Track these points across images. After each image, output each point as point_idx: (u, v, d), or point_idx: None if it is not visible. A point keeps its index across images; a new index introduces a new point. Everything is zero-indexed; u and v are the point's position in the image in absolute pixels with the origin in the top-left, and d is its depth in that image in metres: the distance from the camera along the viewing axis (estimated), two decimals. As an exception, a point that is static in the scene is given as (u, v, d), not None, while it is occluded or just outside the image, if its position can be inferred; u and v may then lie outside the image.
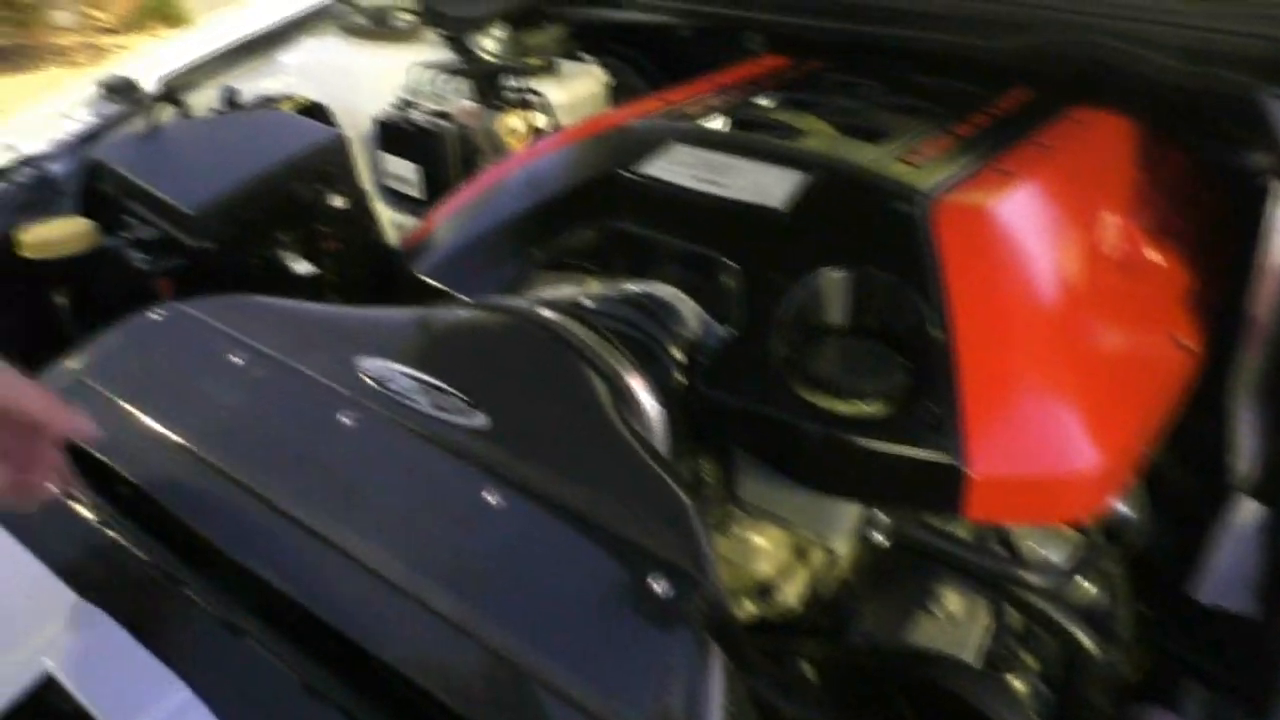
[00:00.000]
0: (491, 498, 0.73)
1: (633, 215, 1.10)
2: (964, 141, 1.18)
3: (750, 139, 1.19)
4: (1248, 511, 1.10)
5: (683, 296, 1.04)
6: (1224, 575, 1.09)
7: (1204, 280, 1.18)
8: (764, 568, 1.03)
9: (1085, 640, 0.95)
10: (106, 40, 7.44)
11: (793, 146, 1.15)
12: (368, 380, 0.85)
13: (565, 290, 1.07)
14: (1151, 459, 1.06)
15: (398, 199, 1.59)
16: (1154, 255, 1.16)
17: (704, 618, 0.65)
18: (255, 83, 1.63)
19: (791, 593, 1.04)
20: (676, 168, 1.12)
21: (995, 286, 0.98)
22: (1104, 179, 1.20)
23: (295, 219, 1.30)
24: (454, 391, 0.82)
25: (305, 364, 0.88)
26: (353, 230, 1.36)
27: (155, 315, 0.97)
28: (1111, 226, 1.14)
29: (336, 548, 0.72)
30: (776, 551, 1.05)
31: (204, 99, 1.60)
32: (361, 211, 1.38)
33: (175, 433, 0.84)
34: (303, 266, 1.29)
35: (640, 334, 0.98)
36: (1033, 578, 0.90)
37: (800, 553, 1.06)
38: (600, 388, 0.85)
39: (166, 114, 1.55)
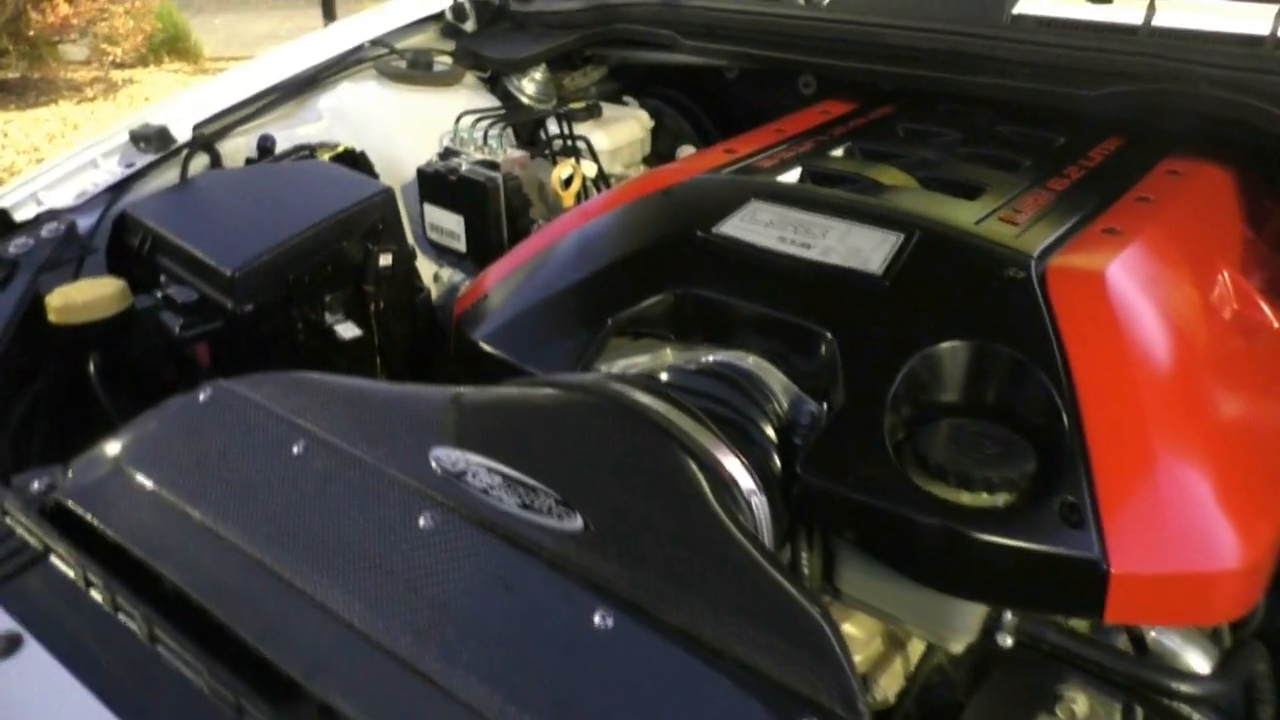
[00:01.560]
0: (601, 621, 0.64)
1: (713, 279, 1.02)
2: (1061, 197, 1.10)
3: (837, 196, 1.11)
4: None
5: (770, 368, 0.96)
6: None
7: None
8: (857, 660, 0.94)
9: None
10: (118, 74, 7.44)
11: (885, 204, 1.07)
12: (444, 473, 0.77)
13: (643, 362, 0.99)
14: None
15: (440, 252, 1.51)
16: (1271, 315, 1.08)
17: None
18: (291, 129, 1.56)
19: (889, 687, 0.95)
20: (759, 228, 1.04)
21: (1120, 358, 0.89)
22: (1212, 234, 1.13)
23: (343, 279, 1.22)
24: (544, 489, 0.74)
25: (372, 453, 0.79)
26: (399, 289, 1.27)
27: (202, 395, 0.89)
28: (1226, 285, 1.06)
29: (423, 676, 0.63)
30: (870, 641, 0.96)
31: (238, 147, 1.53)
32: (408, 269, 1.30)
33: (229, 533, 0.75)
34: (349, 330, 1.20)
35: (731, 412, 0.89)
36: (1185, 686, 0.81)
37: (897, 643, 0.97)
38: (703, 480, 0.76)
39: (199, 164, 1.48)
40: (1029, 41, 1.30)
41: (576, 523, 0.71)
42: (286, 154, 1.50)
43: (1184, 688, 0.81)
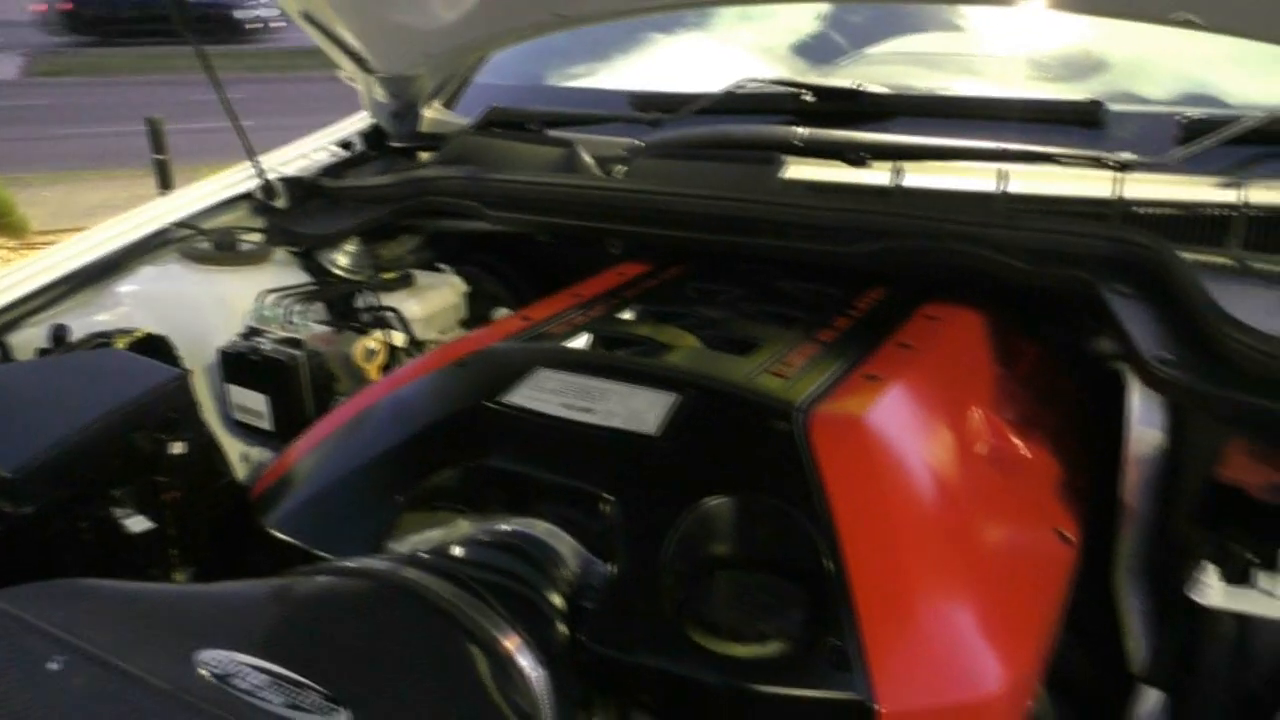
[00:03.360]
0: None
1: (502, 450, 1.04)
2: (828, 347, 1.18)
3: (617, 359, 1.16)
4: (1152, 701, 1.09)
5: (561, 534, 0.98)
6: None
7: (1073, 468, 1.20)
8: None
9: None
10: (-65, 253, 7.11)
11: (662, 365, 1.13)
12: (210, 677, 0.75)
13: (434, 538, 1.00)
14: (1055, 654, 1.03)
15: (248, 432, 1.49)
16: (1023, 448, 1.17)
17: None
18: (89, 317, 1.53)
19: None
20: (544, 395, 1.08)
21: (879, 500, 0.95)
22: (966, 374, 1.22)
23: (133, 472, 1.18)
24: (311, 685, 0.73)
25: (136, 663, 0.77)
26: (196, 476, 1.25)
27: (-42, 614, 0.84)
28: (981, 423, 1.15)
29: None
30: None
31: (30, 338, 1.49)
32: (206, 455, 1.27)
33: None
34: (139, 524, 1.16)
35: (519, 584, 0.90)
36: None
37: None
38: (479, 661, 0.76)
39: (-13, 358, 1.43)
40: (798, 205, 1.41)
41: (343, 719, 0.70)
42: (81, 343, 1.46)
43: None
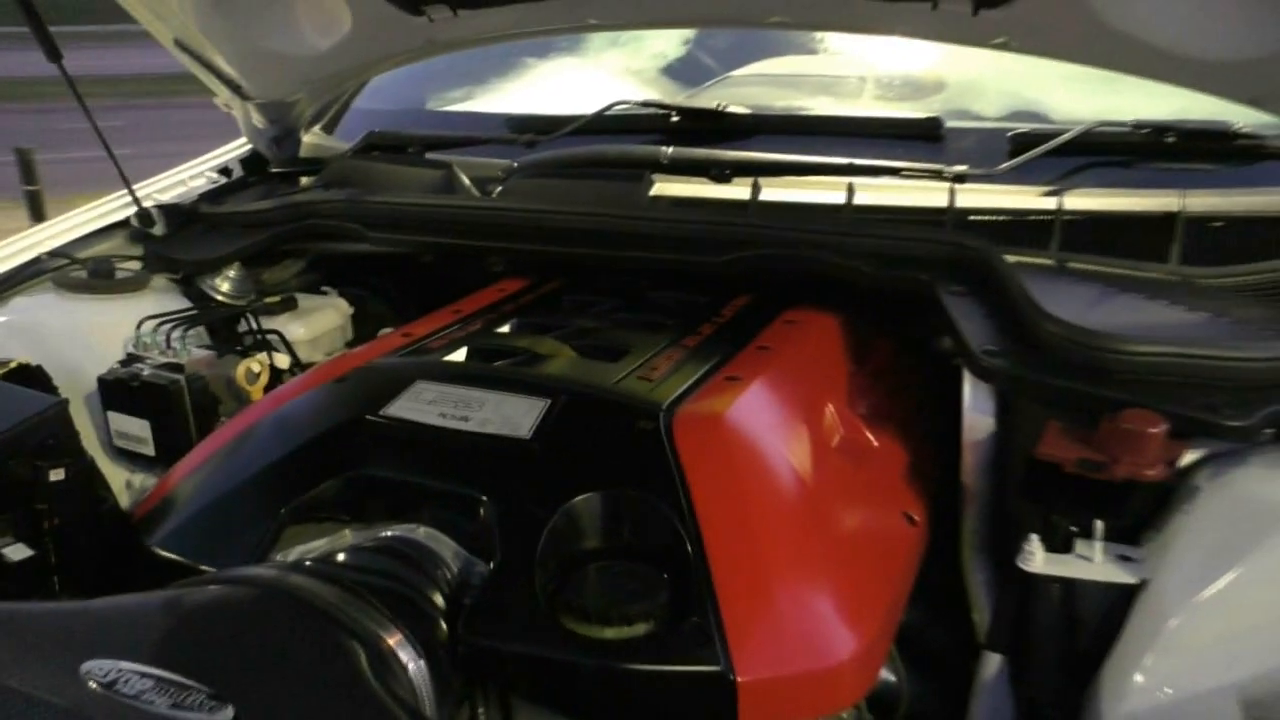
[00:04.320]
0: (242, 808, 0.67)
1: (382, 459, 1.09)
2: (693, 352, 1.26)
3: (492, 370, 1.22)
4: (994, 664, 1.19)
5: (441, 537, 1.03)
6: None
7: (921, 456, 1.30)
8: None
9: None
10: None
11: (534, 373, 1.19)
12: (95, 685, 0.77)
13: (318, 547, 1.03)
14: (913, 630, 1.13)
15: (131, 459, 1.49)
16: (874, 439, 1.27)
17: None
18: (-42, 350, 1.51)
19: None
20: (422, 406, 1.13)
21: (737, 490, 1.03)
22: (821, 373, 1.32)
23: (10, 501, 1.19)
24: (195, 685, 0.76)
25: (19, 679, 0.79)
26: (75, 503, 1.25)
27: None
28: (834, 417, 1.25)
29: None
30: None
31: (-105, 373, 1.46)
32: (86, 481, 1.28)
33: None
34: (19, 552, 1.17)
35: (398, 585, 0.95)
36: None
37: None
38: (359, 655, 0.81)
39: None
40: (664, 219, 1.50)
41: (227, 713, 0.74)
42: (-48, 375, 1.45)
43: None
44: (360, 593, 0.88)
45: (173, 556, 1.06)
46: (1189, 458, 1.09)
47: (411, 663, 0.85)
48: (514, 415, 1.09)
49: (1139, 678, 0.98)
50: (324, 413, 1.18)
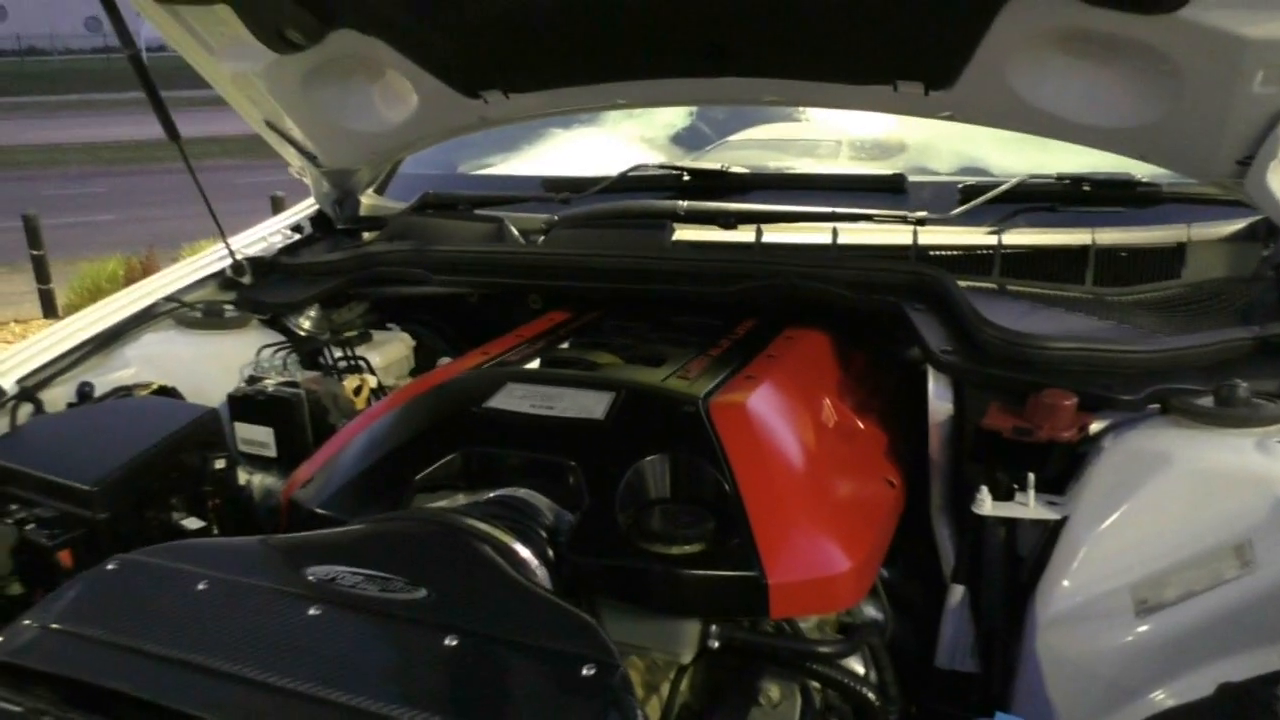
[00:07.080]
0: (449, 641, 0.99)
1: (488, 440, 1.42)
2: (716, 359, 1.62)
3: (565, 373, 1.57)
4: (957, 594, 1.53)
5: (537, 495, 1.36)
6: (951, 645, 1.50)
7: (895, 437, 1.65)
8: None
9: (871, 697, 1.30)
10: None
11: (599, 375, 1.53)
12: (319, 581, 1.10)
13: (447, 503, 1.37)
14: (895, 582, 1.47)
15: (252, 461, 1.81)
16: (859, 424, 1.63)
17: (625, 690, 0.94)
18: (105, 375, 1.84)
19: (653, 714, 1.33)
20: (516, 400, 1.47)
21: (759, 454, 1.38)
22: (817, 376, 1.67)
23: (184, 484, 1.51)
24: (395, 577, 1.09)
25: (261, 580, 1.11)
26: (230, 487, 1.58)
27: (110, 565, 1.17)
28: (829, 406, 1.60)
29: (330, 705, 0.94)
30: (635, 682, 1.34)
31: (56, 396, 1.79)
32: (235, 471, 1.61)
33: (167, 650, 1.02)
34: (193, 523, 1.49)
35: (516, 523, 1.28)
36: (826, 648, 1.25)
37: (651, 686, 1.36)
38: (503, 560, 1.14)
39: (24, 411, 1.72)
40: (684, 259, 1.86)
41: (422, 592, 1.07)
42: (105, 396, 1.77)
43: (823, 649, 1.25)
44: (497, 525, 1.21)
45: (331, 514, 1.38)
46: (1095, 426, 1.44)
47: (539, 569, 1.19)
48: (589, 405, 1.44)
49: (1064, 583, 1.32)
50: (439, 408, 1.51)
